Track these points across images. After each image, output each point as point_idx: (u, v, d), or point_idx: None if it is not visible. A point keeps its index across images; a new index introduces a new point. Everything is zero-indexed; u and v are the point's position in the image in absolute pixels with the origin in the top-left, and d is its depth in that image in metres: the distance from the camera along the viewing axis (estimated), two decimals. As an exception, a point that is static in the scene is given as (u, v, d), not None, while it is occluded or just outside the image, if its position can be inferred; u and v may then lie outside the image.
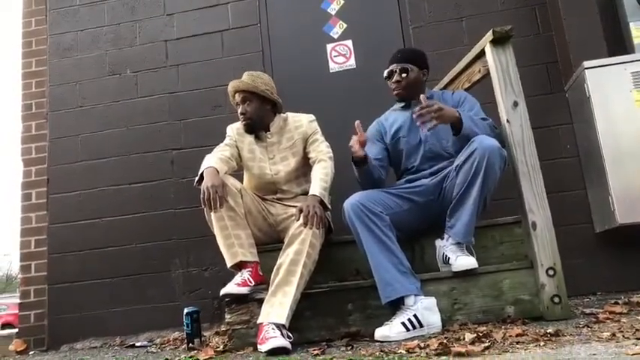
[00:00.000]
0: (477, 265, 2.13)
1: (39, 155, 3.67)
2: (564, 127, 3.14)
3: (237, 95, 2.59)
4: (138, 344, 3.01)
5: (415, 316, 2.01)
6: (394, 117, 2.53)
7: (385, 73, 2.49)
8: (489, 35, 2.24)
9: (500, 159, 2.07)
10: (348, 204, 2.20)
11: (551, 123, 3.13)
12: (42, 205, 3.58)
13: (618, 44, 3.03)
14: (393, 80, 2.45)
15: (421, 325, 2.01)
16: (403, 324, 2.00)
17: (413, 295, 2.05)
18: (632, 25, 2.99)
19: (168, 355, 2.39)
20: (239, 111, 2.58)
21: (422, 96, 2.15)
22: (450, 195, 2.19)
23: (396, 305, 2.07)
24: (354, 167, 2.33)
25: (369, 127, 2.57)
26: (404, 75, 2.43)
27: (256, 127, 2.60)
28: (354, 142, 2.24)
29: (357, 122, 2.24)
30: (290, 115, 2.68)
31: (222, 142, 2.64)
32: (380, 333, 2.01)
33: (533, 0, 3.30)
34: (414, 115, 2.12)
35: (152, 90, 3.60)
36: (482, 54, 2.38)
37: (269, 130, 2.61)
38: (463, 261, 2.11)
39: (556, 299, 2.06)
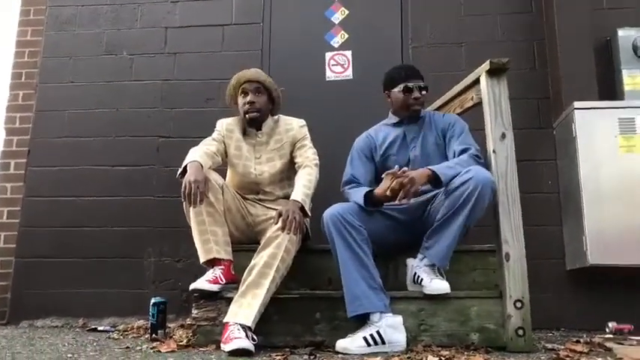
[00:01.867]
0: (449, 290, 2.14)
1: (22, 126, 3.61)
2: (548, 163, 3.19)
3: (247, 84, 2.56)
4: (100, 328, 2.98)
5: (378, 332, 2.02)
6: (385, 132, 2.53)
7: (401, 87, 2.44)
8: (486, 65, 2.27)
9: (491, 193, 2.10)
10: (328, 214, 2.21)
11: (535, 157, 3.18)
12: (19, 177, 3.53)
13: (609, 89, 3.10)
14: (414, 96, 2.43)
15: (383, 342, 2.02)
16: (365, 339, 2.01)
17: (379, 312, 2.05)
18: (624, 72, 3.07)
19: (129, 343, 2.36)
20: (247, 100, 2.55)
21: (396, 168, 2.16)
22: (434, 217, 2.20)
23: (362, 320, 2.08)
24: (360, 198, 2.25)
25: (358, 140, 2.57)
26: (424, 93, 2.45)
27: (258, 121, 2.59)
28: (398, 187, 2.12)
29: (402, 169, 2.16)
30: (282, 117, 2.69)
31: (211, 135, 2.63)
32: (341, 345, 2.03)
33: (533, 35, 3.36)
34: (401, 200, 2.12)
35: (146, 75, 3.58)
36: (477, 82, 2.41)
37: (261, 130, 2.62)
38: (438, 285, 2.13)
39: (520, 331, 2.09)
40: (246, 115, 2.57)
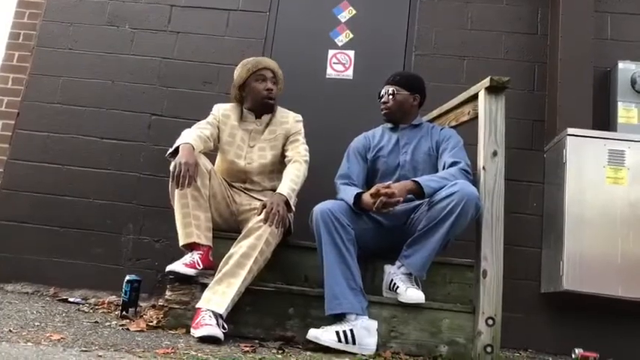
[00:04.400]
0: (424, 301, 2.16)
1: (15, 87, 3.56)
2: (535, 185, 3.21)
3: (266, 71, 2.59)
4: (71, 299, 2.95)
5: (351, 331, 2.03)
6: (381, 134, 2.59)
7: (378, 94, 2.58)
8: (486, 82, 2.28)
9: (475, 209, 2.11)
10: (319, 209, 2.20)
11: (523, 178, 3.20)
12: (5, 138, 3.48)
13: (603, 119, 3.13)
14: (382, 101, 2.55)
15: (354, 342, 2.02)
16: (337, 333, 2.02)
17: (355, 314, 2.06)
18: (620, 104, 3.09)
19: (99, 318, 2.35)
20: (266, 86, 2.57)
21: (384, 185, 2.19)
22: (416, 226, 2.21)
23: (338, 319, 2.08)
24: (350, 197, 2.27)
25: (356, 140, 2.61)
26: (390, 97, 2.51)
27: (270, 109, 2.62)
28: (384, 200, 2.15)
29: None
30: (279, 109, 2.68)
31: (204, 118, 2.61)
32: (312, 333, 2.04)
33: (535, 57, 3.37)
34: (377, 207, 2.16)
35: (147, 51, 3.53)
36: (475, 97, 2.42)
37: (260, 118, 2.62)
38: (413, 294, 2.14)
39: (489, 349, 2.10)
40: (265, 100, 2.57)
